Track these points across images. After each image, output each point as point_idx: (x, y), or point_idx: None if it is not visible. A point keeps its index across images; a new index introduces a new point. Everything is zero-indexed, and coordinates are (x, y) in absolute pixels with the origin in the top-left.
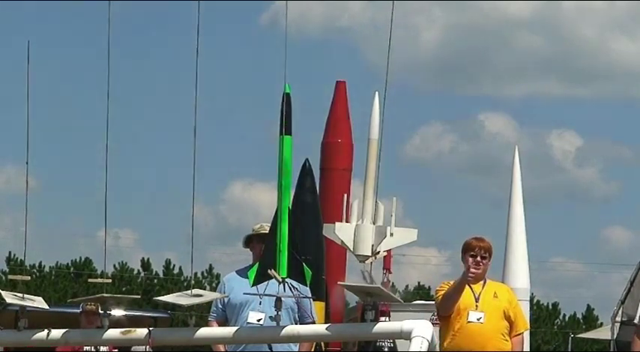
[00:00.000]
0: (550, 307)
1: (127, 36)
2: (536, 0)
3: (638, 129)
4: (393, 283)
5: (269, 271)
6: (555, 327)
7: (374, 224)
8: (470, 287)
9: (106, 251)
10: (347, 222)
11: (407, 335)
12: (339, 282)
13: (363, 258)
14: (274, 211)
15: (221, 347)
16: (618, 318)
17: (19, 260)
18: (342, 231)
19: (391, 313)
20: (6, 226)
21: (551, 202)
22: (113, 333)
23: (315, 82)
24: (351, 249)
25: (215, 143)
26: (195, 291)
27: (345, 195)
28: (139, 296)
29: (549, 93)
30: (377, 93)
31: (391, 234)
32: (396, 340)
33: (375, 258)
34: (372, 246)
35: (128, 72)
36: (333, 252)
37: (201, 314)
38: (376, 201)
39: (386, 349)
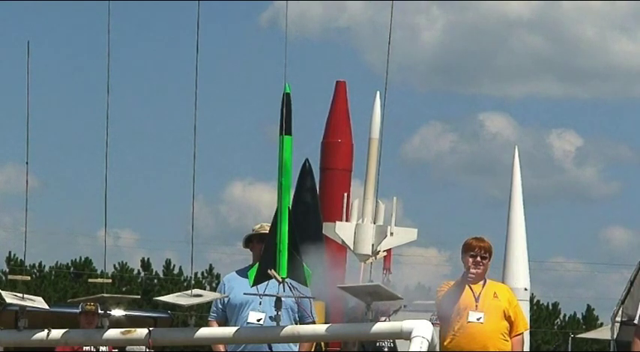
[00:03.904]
0: (550, 307)
1: (127, 36)
2: (536, 0)
3: (638, 129)
4: (392, 283)
5: (269, 271)
6: (555, 327)
7: (374, 223)
8: (470, 287)
9: (106, 251)
10: (347, 221)
11: (407, 335)
12: (338, 285)
13: (363, 258)
14: (274, 211)
15: (221, 347)
16: (618, 318)
17: (19, 260)
18: (342, 231)
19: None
20: (6, 226)
21: (551, 202)
22: (113, 333)
23: (315, 82)
24: (352, 249)
25: (215, 143)
26: (195, 291)
27: (345, 195)
28: (139, 296)
29: (549, 93)
30: (378, 92)
31: (391, 234)
32: (396, 340)
33: (375, 257)
34: (372, 245)
35: (128, 72)
36: (333, 251)
37: (201, 314)
38: (376, 201)
39: (386, 349)
